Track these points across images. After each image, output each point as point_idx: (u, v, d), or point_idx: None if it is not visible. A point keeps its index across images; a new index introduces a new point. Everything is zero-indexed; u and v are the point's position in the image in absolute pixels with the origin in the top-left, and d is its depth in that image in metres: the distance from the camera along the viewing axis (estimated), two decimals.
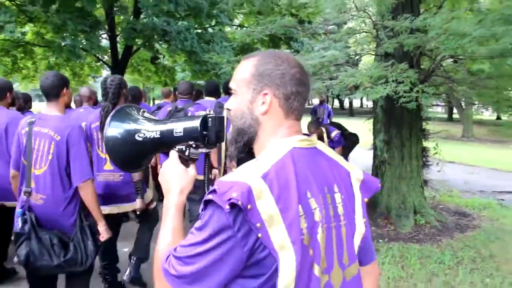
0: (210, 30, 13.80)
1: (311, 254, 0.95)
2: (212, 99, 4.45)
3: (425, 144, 5.81)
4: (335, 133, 6.15)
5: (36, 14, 10.41)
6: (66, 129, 2.44)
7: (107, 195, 3.11)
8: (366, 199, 1.14)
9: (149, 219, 3.55)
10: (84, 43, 10.96)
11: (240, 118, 1.09)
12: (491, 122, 24.54)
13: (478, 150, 14.99)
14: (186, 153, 1.21)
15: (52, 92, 2.48)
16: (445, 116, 28.70)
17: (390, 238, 4.85)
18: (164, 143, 1.24)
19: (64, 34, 10.62)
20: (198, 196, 3.47)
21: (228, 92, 4.83)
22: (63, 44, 10.91)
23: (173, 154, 1.20)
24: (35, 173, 2.43)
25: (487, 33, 3.59)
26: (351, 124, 7.68)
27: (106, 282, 3.38)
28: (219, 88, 4.84)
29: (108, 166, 3.11)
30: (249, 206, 0.89)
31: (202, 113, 1.40)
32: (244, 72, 1.09)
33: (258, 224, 0.90)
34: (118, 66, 13.51)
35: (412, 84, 4.04)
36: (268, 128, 1.07)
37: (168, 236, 1.05)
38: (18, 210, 2.42)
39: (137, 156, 1.33)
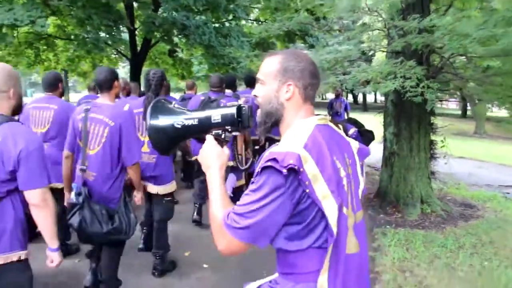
0: (227, 24, 14.02)
1: (340, 201, 1.24)
2: (230, 90, 5.01)
3: (433, 138, 5.97)
4: (352, 130, 6.34)
5: (60, 8, 10.73)
6: (119, 116, 2.79)
7: (142, 174, 3.39)
8: (361, 162, 1.48)
9: (164, 215, 3.72)
10: (107, 36, 11.28)
11: (268, 103, 1.36)
12: (503, 120, 24.26)
13: (489, 146, 14.94)
14: (223, 136, 1.44)
15: (105, 85, 2.85)
16: (459, 112, 28.57)
17: (397, 224, 5.07)
18: (201, 128, 1.46)
19: (88, 28, 10.95)
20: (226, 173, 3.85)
21: (249, 85, 5.37)
22: (86, 37, 11.25)
23: (210, 137, 1.44)
24: (89, 153, 2.78)
25: (487, 34, 3.80)
26: (365, 119, 7.80)
27: (156, 259, 3.63)
28: (236, 82, 5.42)
29: (145, 148, 3.45)
30: (301, 169, 1.17)
31: (235, 103, 1.67)
32: (270, 66, 1.37)
33: (306, 182, 1.18)
34: (136, 59, 13.66)
35: (419, 80, 4.24)
36: (291, 111, 1.35)
37: (218, 201, 1.32)
38: (73, 185, 2.76)
39: (176, 141, 1.57)
